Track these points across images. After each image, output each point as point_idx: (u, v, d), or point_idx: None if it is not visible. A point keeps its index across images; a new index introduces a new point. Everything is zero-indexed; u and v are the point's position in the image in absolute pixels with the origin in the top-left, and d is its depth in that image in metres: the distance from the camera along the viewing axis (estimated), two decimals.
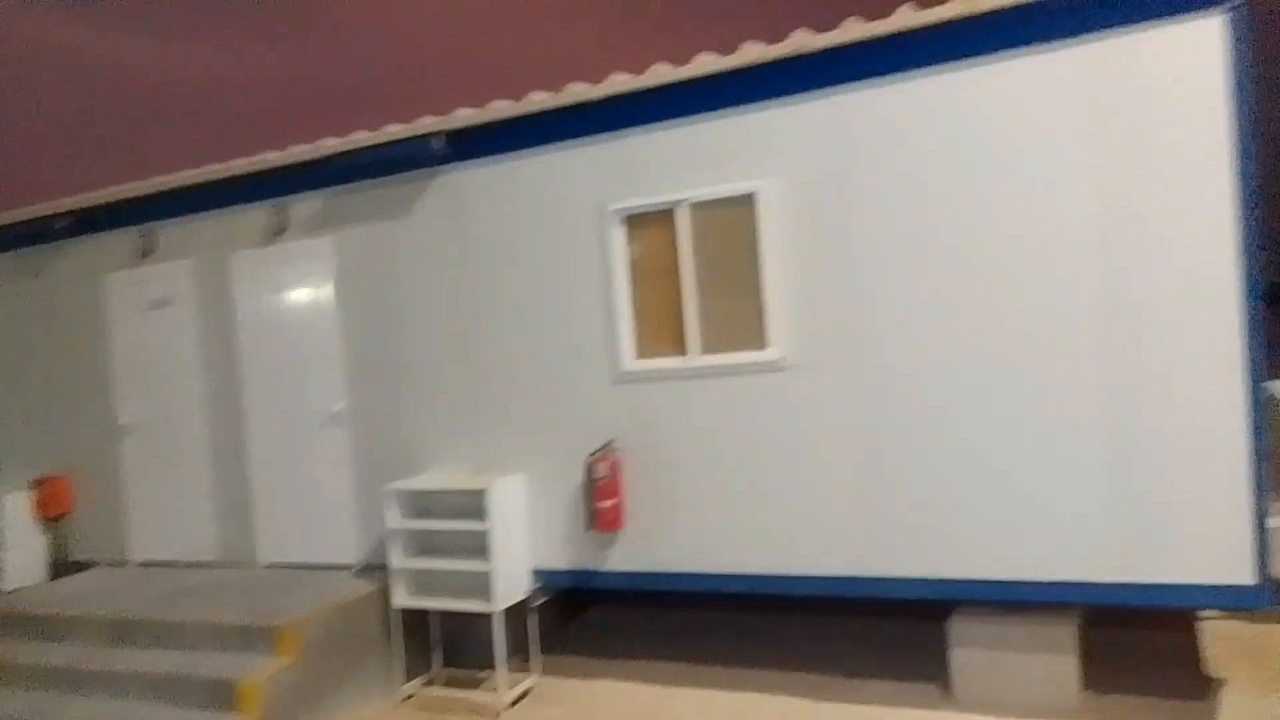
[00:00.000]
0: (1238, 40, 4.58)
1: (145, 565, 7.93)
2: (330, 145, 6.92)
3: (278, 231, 7.26)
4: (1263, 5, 4.92)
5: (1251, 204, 4.58)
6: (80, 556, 8.29)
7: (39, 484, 8.26)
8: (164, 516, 7.86)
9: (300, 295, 7.21)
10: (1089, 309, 4.91)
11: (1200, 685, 5.35)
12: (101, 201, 7.94)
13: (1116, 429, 4.87)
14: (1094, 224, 4.88)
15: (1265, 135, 4.70)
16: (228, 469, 7.54)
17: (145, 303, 7.92)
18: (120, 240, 8.01)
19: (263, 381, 7.37)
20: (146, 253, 7.87)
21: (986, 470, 5.19)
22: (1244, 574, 4.61)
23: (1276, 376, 5.46)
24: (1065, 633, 5.22)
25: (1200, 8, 4.64)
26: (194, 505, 7.69)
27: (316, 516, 7.17)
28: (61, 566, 8.34)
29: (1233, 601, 4.71)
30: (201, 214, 7.62)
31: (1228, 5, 4.59)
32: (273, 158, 7.18)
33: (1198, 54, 4.65)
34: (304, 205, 7.18)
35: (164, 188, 7.63)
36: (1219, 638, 5.94)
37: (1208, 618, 6.21)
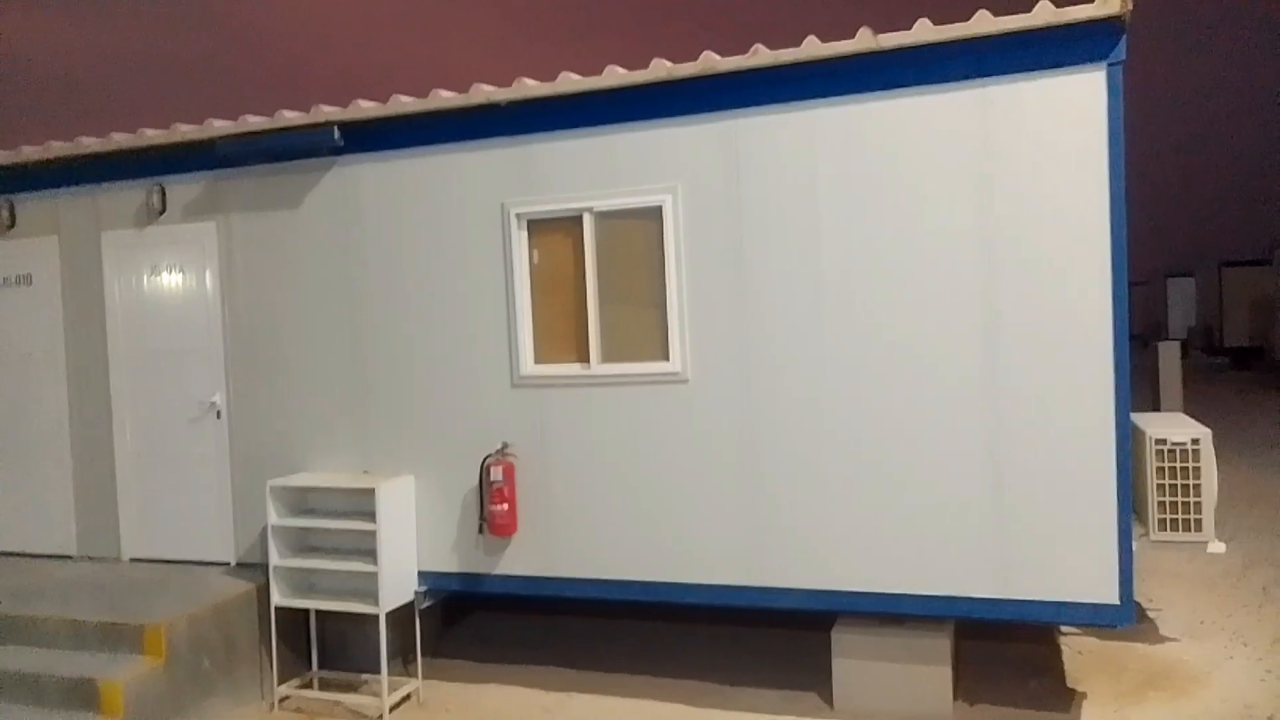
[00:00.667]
0: (1115, 94, 4.86)
1: None
2: (219, 127, 6.61)
3: (156, 213, 6.89)
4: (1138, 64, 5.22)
5: (1122, 248, 4.87)
6: None
7: None
8: (17, 505, 7.37)
9: (178, 281, 6.87)
10: (972, 338, 5.13)
11: (1062, 697, 5.66)
12: None
13: (995, 451, 5.10)
14: (979, 258, 5.10)
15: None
16: (91, 458, 7.12)
17: (3, 279, 7.41)
18: None
19: (133, 369, 6.99)
20: (8, 226, 7.36)
21: (870, 487, 5.35)
22: (1110, 594, 4.89)
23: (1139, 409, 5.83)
24: (940, 644, 5.44)
25: (1084, 62, 4.89)
26: (52, 495, 7.23)
27: (188, 511, 6.85)
28: None
29: (1099, 619, 5.00)
30: (72, 188, 7.17)
31: (1109, 61, 4.87)
32: (154, 134, 6.81)
33: (1080, 105, 4.91)
34: (186, 188, 6.84)
35: (30, 159, 7.14)
36: (1079, 652, 6.30)
37: (1069, 633, 6.57)
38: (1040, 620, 5.19)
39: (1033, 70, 5.00)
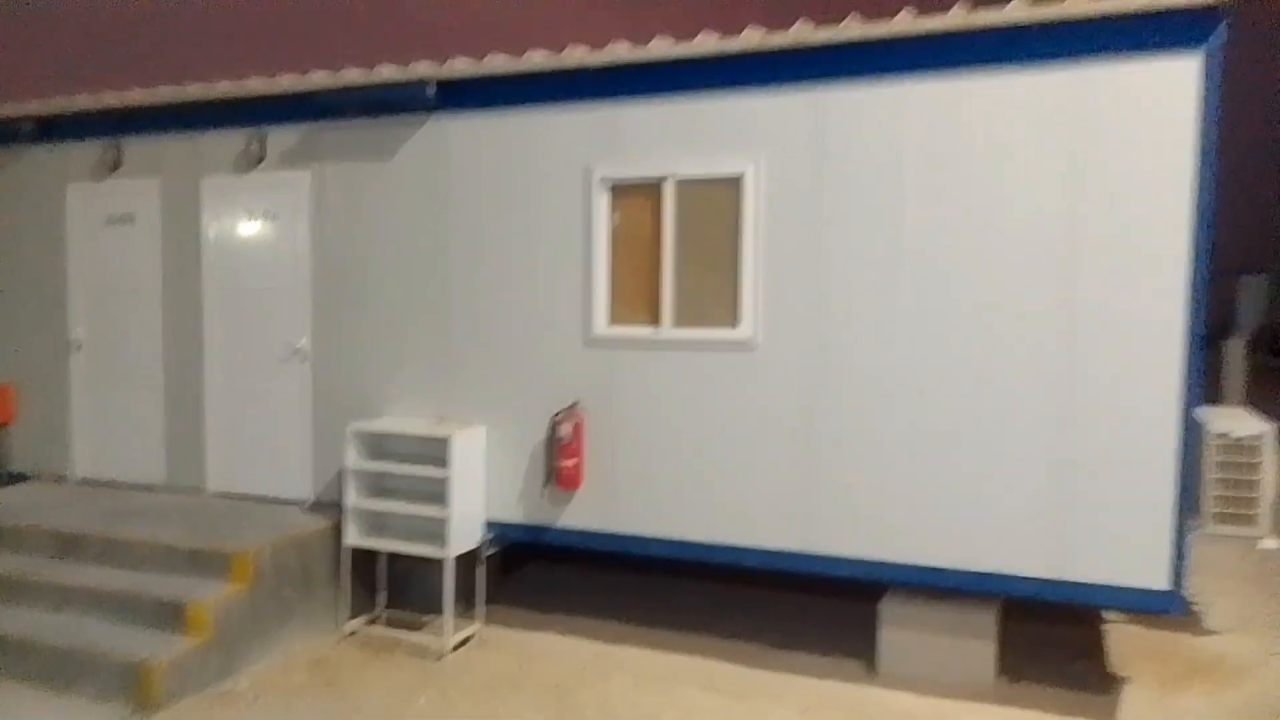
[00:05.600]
0: (1210, 82, 4.87)
1: (87, 482, 7.86)
2: (319, 79, 6.86)
3: (255, 159, 7.17)
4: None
5: (1205, 240, 4.91)
6: (18, 468, 8.16)
7: None
8: (110, 435, 7.79)
9: (273, 227, 7.16)
10: (1044, 320, 5.22)
11: (1105, 680, 5.76)
12: (67, 109, 7.73)
13: (1061, 435, 5.20)
14: (1062, 240, 5.17)
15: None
16: (182, 394, 7.49)
17: (107, 218, 7.78)
18: (86, 151, 7.82)
19: (226, 310, 7.33)
20: (114, 167, 7.71)
21: (932, 463, 5.49)
22: (1161, 580, 5.00)
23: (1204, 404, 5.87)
24: (986, 620, 5.58)
25: (1180, 46, 4.90)
26: (144, 427, 7.63)
27: (270, 449, 7.19)
28: None
29: (1149, 605, 5.11)
30: (174, 133, 7.48)
31: (1205, 46, 4.87)
32: (256, 83, 7.09)
33: (1172, 91, 4.93)
34: (285, 136, 7.11)
35: (137, 102, 7.47)
36: (1124, 639, 6.38)
37: (1115, 620, 6.65)
38: (1090, 603, 5.31)
39: (1128, 52, 5.01)
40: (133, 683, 5.19)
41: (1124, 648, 6.25)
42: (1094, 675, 5.82)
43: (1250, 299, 34.53)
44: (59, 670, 5.42)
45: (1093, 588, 5.19)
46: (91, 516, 6.70)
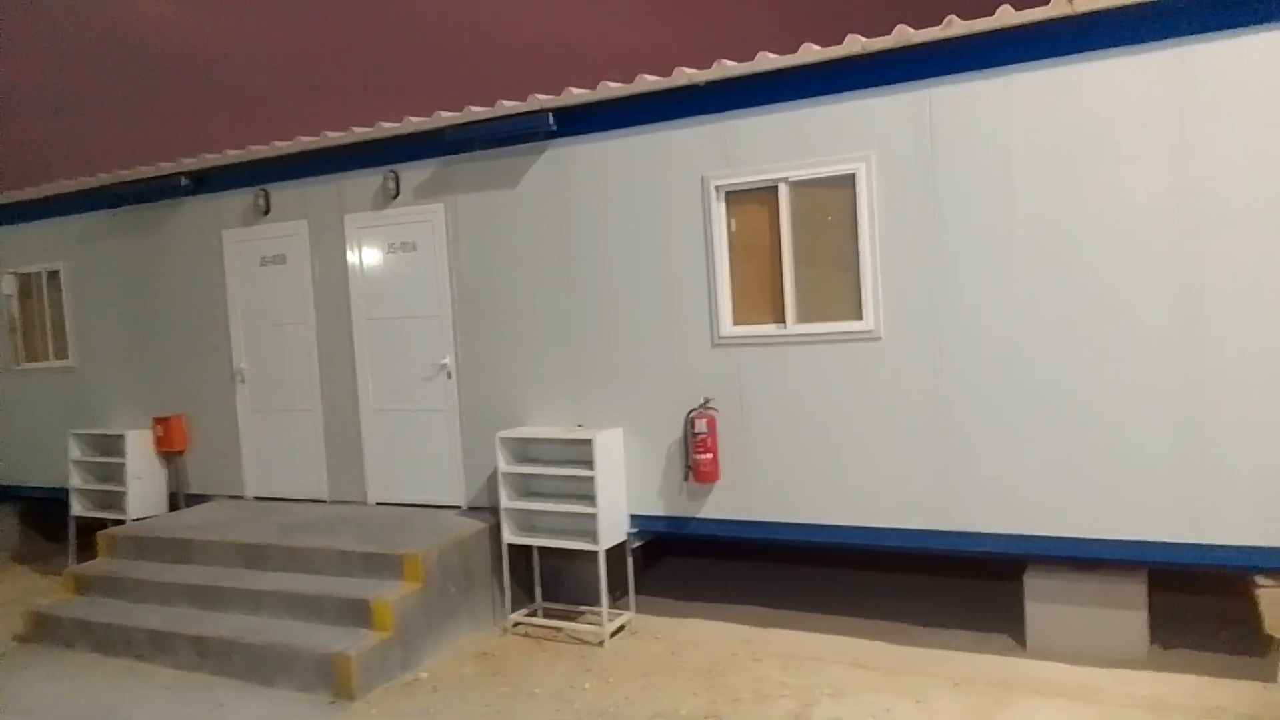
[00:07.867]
0: None
1: (260, 500, 8.57)
2: (445, 117, 7.37)
3: (391, 196, 7.74)
4: None
5: None
6: (197, 490, 8.95)
7: (159, 422, 8.90)
8: (277, 456, 8.47)
9: (412, 256, 7.71)
10: (1171, 294, 5.27)
11: (1260, 644, 5.75)
12: (221, 163, 8.47)
13: (1193, 402, 5.25)
14: (1177, 216, 5.22)
15: None
16: (339, 414, 8.12)
17: (261, 258, 8.48)
18: (238, 199, 8.56)
19: (374, 335, 7.91)
20: (264, 212, 8.41)
21: (1063, 435, 5.58)
22: None
23: None
24: (1135, 589, 5.63)
25: None
26: (306, 447, 8.28)
27: (423, 460, 7.73)
28: (178, 499, 9.02)
29: None
30: (318, 177, 8.13)
31: None
32: (389, 126, 7.65)
33: None
34: (417, 172, 7.66)
35: (282, 152, 8.14)
36: (1277, 604, 6.32)
37: (1265, 586, 6.59)
38: (1237, 566, 5.30)
39: (1232, 28, 5.06)
40: (330, 674, 5.73)
41: (1276, 614, 6.19)
42: (1249, 639, 5.81)
43: None
44: (261, 665, 6.00)
45: (1239, 550, 5.21)
46: (270, 528, 7.36)
